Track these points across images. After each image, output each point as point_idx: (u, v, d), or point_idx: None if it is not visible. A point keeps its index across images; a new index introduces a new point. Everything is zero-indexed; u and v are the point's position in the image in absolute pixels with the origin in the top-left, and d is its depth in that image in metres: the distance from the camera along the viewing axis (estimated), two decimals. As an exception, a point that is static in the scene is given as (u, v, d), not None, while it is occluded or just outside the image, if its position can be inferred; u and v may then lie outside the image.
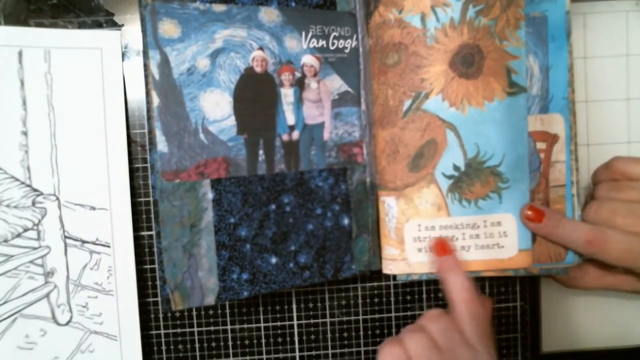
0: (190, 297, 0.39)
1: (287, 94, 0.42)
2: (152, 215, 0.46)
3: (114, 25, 0.44)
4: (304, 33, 0.42)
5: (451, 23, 0.41)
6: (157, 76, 0.38)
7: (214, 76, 0.40)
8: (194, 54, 0.39)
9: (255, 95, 0.41)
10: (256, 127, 0.41)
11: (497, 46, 0.40)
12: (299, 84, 0.42)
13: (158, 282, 0.40)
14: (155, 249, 0.45)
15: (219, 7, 0.40)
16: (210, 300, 0.40)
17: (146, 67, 0.38)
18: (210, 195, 0.40)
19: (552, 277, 0.46)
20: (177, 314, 0.47)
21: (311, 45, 0.43)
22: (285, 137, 0.42)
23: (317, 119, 0.43)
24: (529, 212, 0.41)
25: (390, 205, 0.44)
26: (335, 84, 0.43)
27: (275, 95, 0.42)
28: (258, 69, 0.41)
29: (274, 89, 0.42)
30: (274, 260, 0.42)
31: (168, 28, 0.39)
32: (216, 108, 0.40)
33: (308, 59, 0.43)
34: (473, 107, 0.41)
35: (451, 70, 0.41)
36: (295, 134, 0.43)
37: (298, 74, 0.42)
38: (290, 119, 0.42)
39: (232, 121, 0.40)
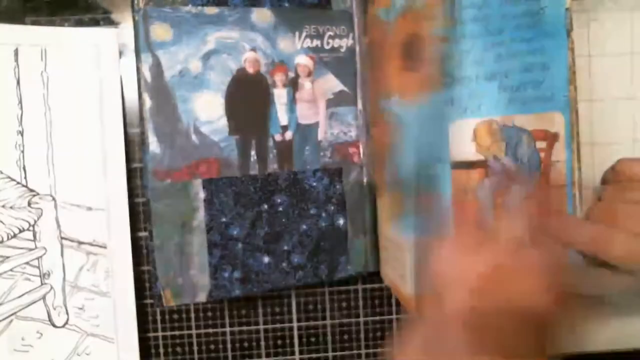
0: (182, 294, 0.40)
1: (281, 95, 0.42)
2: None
3: (110, 23, 0.44)
4: (297, 33, 0.42)
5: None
6: (149, 79, 0.39)
7: (205, 78, 0.40)
8: (186, 56, 0.40)
9: (247, 96, 0.41)
10: (248, 127, 0.41)
11: (429, 30, 0.36)
12: (293, 84, 0.42)
13: (152, 279, 0.40)
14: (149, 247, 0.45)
15: (211, 10, 0.40)
16: (202, 297, 0.41)
17: (138, 70, 0.39)
18: (202, 195, 0.40)
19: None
20: (175, 316, 0.47)
21: (305, 45, 0.42)
22: (278, 137, 0.42)
23: (311, 118, 0.43)
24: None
25: (387, 206, 0.43)
26: (331, 83, 0.43)
27: (267, 96, 0.42)
28: (250, 70, 0.41)
29: (266, 89, 0.42)
30: (266, 259, 0.42)
31: (160, 32, 0.39)
32: (208, 109, 0.40)
33: (302, 59, 0.42)
34: (418, 103, 0.38)
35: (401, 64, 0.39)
36: (289, 134, 0.43)
37: (291, 74, 0.42)
38: (283, 119, 0.42)
39: (223, 122, 0.41)
